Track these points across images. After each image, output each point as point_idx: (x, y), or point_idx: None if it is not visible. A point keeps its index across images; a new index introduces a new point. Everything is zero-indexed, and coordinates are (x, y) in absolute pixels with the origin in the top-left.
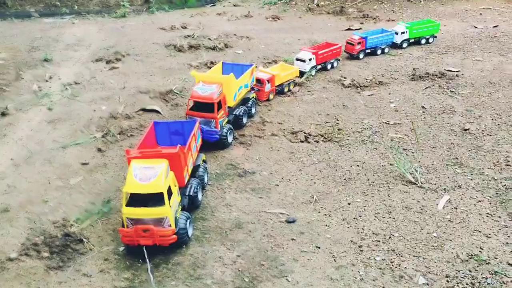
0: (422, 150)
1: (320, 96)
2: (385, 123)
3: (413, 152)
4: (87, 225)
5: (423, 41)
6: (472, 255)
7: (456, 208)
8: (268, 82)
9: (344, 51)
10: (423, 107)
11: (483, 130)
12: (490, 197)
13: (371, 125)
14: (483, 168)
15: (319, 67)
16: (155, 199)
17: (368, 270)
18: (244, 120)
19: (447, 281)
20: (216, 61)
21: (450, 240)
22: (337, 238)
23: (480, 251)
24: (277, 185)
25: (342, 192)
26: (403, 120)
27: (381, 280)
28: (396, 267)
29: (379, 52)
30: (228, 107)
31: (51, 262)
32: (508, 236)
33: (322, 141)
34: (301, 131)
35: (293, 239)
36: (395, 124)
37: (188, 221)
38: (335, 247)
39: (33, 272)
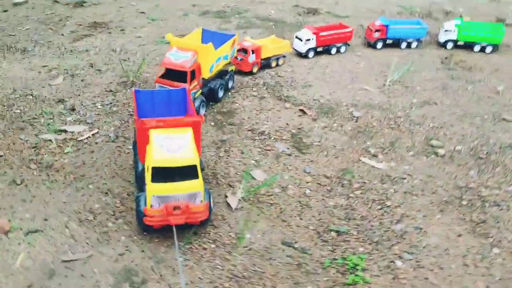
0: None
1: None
2: None
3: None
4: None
5: (476, 48)
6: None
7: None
8: (253, 53)
9: (365, 37)
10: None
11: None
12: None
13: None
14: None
15: (320, 49)
16: (183, 172)
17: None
18: (220, 94)
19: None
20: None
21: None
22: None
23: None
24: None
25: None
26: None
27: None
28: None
29: (403, 45)
30: (203, 78)
31: None
32: None
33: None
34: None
35: None
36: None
37: (212, 196)
38: None
39: None
